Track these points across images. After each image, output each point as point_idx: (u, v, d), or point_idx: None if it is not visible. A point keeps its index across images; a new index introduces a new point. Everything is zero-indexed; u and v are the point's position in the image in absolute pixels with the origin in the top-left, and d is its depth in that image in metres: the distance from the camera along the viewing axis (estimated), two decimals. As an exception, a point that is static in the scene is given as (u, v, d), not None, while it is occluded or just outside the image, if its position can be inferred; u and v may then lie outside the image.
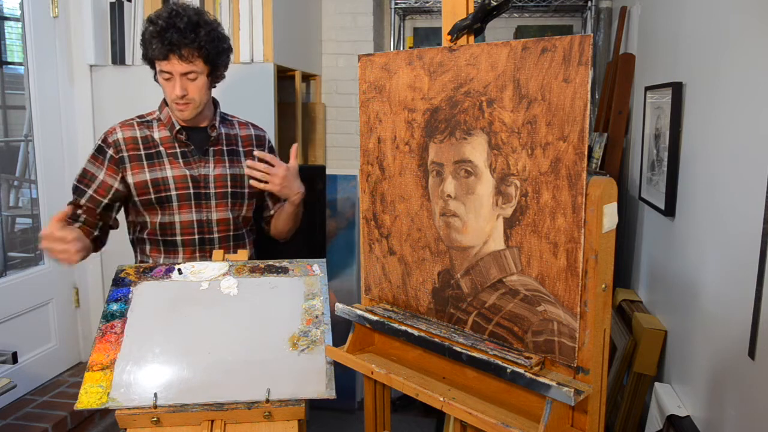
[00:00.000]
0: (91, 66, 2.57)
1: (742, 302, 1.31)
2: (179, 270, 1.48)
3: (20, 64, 2.55)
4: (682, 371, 1.71)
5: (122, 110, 2.58)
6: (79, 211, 1.64)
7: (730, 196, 1.42)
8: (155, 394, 1.24)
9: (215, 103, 1.76)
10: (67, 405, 2.30)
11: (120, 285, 1.45)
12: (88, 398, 1.23)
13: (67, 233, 1.46)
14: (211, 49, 1.59)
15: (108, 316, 1.37)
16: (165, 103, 1.70)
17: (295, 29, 2.88)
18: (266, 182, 1.68)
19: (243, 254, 1.59)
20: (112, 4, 2.53)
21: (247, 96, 2.52)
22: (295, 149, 1.73)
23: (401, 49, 3.38)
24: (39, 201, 2.49)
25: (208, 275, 1.48)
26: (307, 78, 3.20)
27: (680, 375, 1.73)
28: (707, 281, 1.55)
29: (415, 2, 3.22)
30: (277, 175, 1.67)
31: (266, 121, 2.52)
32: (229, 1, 2.53)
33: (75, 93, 2.60)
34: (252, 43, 2.53)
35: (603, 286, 0.95)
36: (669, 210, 1.83)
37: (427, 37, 3.47)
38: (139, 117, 1.72)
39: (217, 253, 1.58)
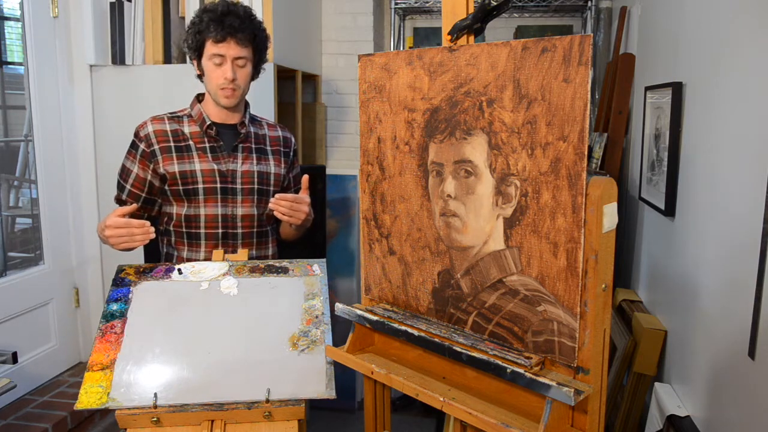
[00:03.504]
0: (91, 66, 2.57)
1: (742, 302, 1.31)
2: (179, 270, 1.49)
3: (20, 64, 2.55)
4: (682, 371, 1.71)
5: (122, 110, 2.60)
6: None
7: (730, 196, 1.42)
8: (155, 394, 1.24)
9: (246, 103, 1.82)
10: (67, 405, 2.30)
11: (120, 285, 1.45)
12: (88, 398, 1.23)
13: (138, 221, 1.54)
14: (260, 40, 1.70)
15: (108, 316, 1.37)
16: (197, 100, 1.76)
17: (295, 29, 2.88)
18: (290, 216, 1.68)
19: (243, 254, 1.60)
20: (112, 4, 2.53)
21: (247, 96, 2.52)
22: (306, 180, 1.74)
23: (401, 49, 3.38)
24: (39, 201, 2.49)
25: (208, 275, 1.48)
26: (307, 78, 3.20)
27: (680, 375, 1.73)
28: (707, 281, 1.55)
29: (415, 2, 3.21)
30: (301, 211, 1.67)
31: (266, 121, 2.52)
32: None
33: (75, 93, 2.60)
34: (252, 43, 2.53)
35: (603, 286, 0.95)
36: (669, 210, 1.83)
37: (427, 37, 3.47)
38: (171, 113, 1.77)
39: (217, 253, 1.58)
